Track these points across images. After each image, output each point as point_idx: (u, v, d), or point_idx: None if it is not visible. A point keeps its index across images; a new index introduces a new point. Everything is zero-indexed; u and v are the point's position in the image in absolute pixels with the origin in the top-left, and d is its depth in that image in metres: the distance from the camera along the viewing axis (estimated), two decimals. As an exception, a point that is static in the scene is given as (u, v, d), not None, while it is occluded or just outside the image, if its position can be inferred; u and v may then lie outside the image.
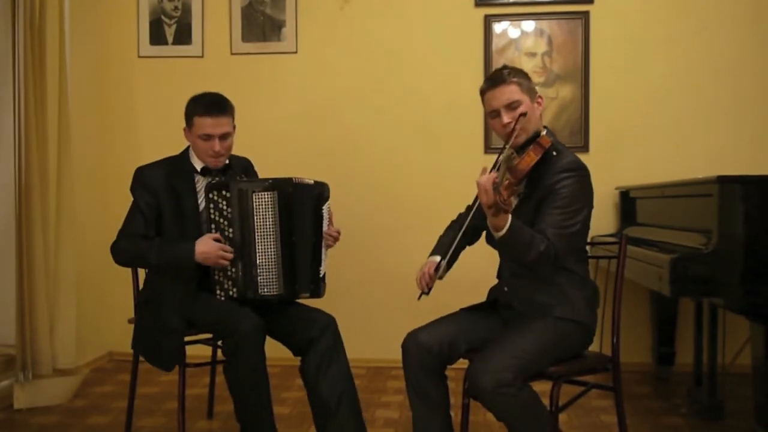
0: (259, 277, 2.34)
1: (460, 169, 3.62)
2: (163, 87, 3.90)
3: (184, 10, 3.91)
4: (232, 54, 3.89)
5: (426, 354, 2.06)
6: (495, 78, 2.12)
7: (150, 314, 2.43)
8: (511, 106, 2.08)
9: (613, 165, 3.63)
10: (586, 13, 3.68)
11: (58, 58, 3.27)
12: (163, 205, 2.41)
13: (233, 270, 2.35)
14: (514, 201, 1.93)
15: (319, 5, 3.83)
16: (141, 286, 2.58)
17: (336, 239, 2.51)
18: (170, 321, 2.35)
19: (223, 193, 2.35)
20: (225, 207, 2.35)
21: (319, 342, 2.35)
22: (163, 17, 3.92)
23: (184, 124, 2.47)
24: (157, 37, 3.93)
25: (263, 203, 2.34)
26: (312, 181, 2.43)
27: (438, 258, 2.19)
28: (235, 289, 2.36)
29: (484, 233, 2.23)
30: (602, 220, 3.53)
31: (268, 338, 2.31)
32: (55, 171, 3.24)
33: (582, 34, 3.69)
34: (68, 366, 3.24)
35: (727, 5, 3.61)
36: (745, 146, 3.59)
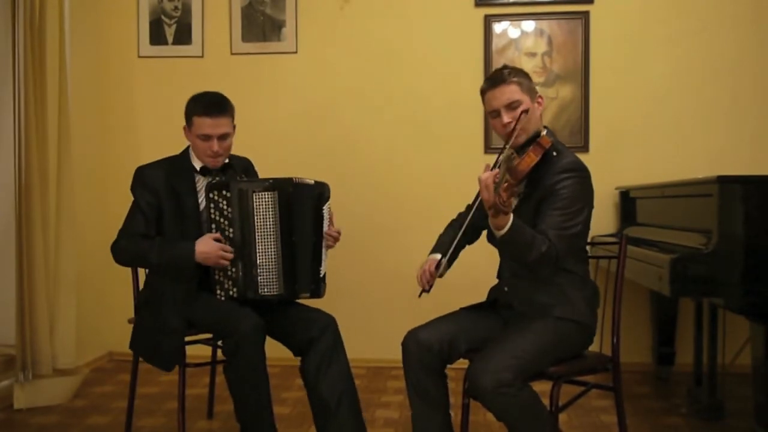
0: (259, 277, 2.34)
1: (460, 169, 3.62)
2: (163, 87, 3.90)
3: (184, 10, 3.91)
4: (232, 54, 3.89)
5: (426, 352, 2.06)
6: (495, 78, 2.12)
7: (150, 314, 2.42)
8: (512, 106, 2.08)
9: (613, 165, 3.63)
10: (586, 13, 3.68)
11: (58, 58, 3.27)
12: (164, 204, 2.41)
13: (233, 270, 2.35)
14: (514, 201, 1.93)
15: (319, 5, 3.83)
16: (141, 286, 2.58)
17: (336, 240, 2.50)
18: (170, 321, 2.35)
19: (224, 192, 2.35)
20: (225, 207, 2.35)
21: (319, 342, 2.35)
22: (163, 17, 3.92)
23: (184, 124, 2.47)
24: (157, 37, 3.93)
25: (263, 203, 2.34)
26: (312, 181, 2.43)
27: (439, 256, 2.20)
28: (235, 289, 2.36)
29: (485, 232, 2.23)
30: (602, 220, 3.53)
31: (268, 338, 2.31)
32: (55, 171, 3.24)
33: (582, 34, 3.69)
34: (68, 366, 3.24)
35: (727, 5, 3.61)
36: (745, 146, 3.59)
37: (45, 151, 3.15)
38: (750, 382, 2.22)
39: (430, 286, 2.16)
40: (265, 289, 2.34)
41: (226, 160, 2.50)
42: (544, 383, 2.02)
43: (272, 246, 2.34)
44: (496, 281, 2.29)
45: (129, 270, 2.62)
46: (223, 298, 2.37)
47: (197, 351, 2.64)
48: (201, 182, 2.46)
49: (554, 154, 2.05)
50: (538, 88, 2.19)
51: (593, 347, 2.19)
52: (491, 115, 2.15)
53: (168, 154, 2.53)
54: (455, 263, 2.26)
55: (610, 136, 3.69)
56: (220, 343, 2.51)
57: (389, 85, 3.80)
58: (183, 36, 3.91)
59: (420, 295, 2.17)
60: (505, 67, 2.16)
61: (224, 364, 2.27)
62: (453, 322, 2.15)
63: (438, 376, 2.10)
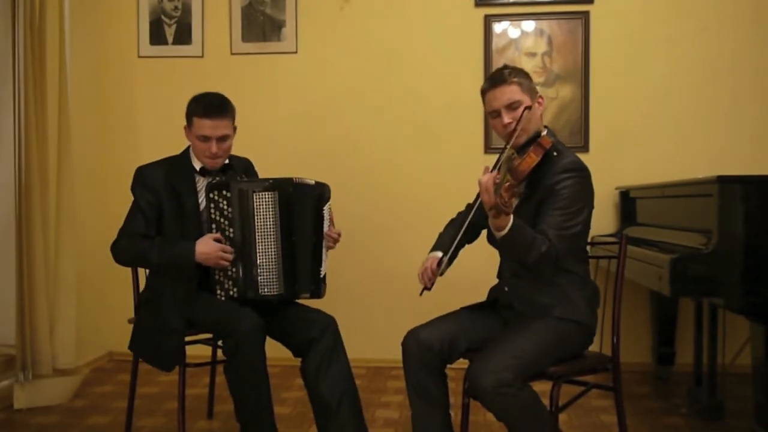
0: (259, 277, 2.34)
1: (460, 169, 3.63)
2: (163, 87, 3.90)
3: (184, 10, 3.91)
4: (232, 54, 3.89)
5: (426, 352, 2.06)
6: (496, 78, 2.12)
7: (150, 314, 2.42)
8: (512, 107, 2.08)
9: (613, 165, 3.63)
10: (586, 13, 3.68)
11: (58, 58, 3.27)
12: (164, 204, 2.41)
13: (234, 270, 2.35)
14: (514, 201, 1.93)
15: (319, 5, 3.83)
16: (141, 286, 2.58)
17: (336, 241, 2.50)
18: (170, 321, 2.35)
19: (224, 192, 2.35)
20: (225, 207, 2.35)
21: (319, 343, 2.35)
22: (163, 17, 3.92)
23: (184, 123, 2.47)
24: (157, 37, 3.93)
25: (264, 203, 2.34)
26: (313, 182, 2.43)
27: (440, 254, 2.20)
28: (235, 289, 2.36)
29: (484, 232, 2.23)
30: (602, 220, 3.53)
31: (268, 338, 2.31)
32: (55, 171, 3.24)
33: (582, 34, 3.69)
34: (68, 366, 3.24)
35: (727, 5, 3.61)
36: (745, 146, 3.59)
37: (45, 151, 3.15)
38: (750, 382, 2.22)
39: (432, 284, 2.16)
40: (266, 289, 2.34)
41: (227, 161, 2.50)
42: (544, 383, 2.02)
43: (272, 246, 2.34)
44: (496, 281, 2.29)
45: (129, 270, 2.62)
46: (223, 298, 2.36)
47: (197, 351, 2.64)
48: (201, 182, 2.46)
49: (555, 154, 2.05)
50: (538, 88, 2.19)
51: (593, 347, 2.20)
52: (491, 115, 2.15)
53: (168, 154, 2.53)
54: (455, 262, 2.26)
55: (610, 136, 3.69)
56: (220, 343, 2.51)
57: (389, 85, 3.80)
58: (183, 36, 3.91)
59: (421, 293, 2.17)
60: (505, 67, 2.16)
61: (224, 364, 2.27)
62: (453, 321, 2.15)
63: (438, 376, 2.10)
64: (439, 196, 3.64)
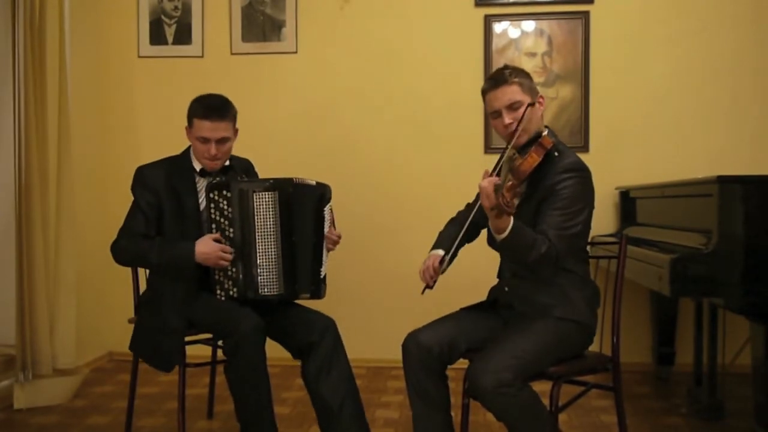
0: (259, 277, 2.34)
1: (460, 169, 3.63)
2: (163, 87, 3.90)
3: (184, 10, 3.91)
4: (232, 54, 3.89)
5: (426, 354, 2.06)
6: (496, 78, 2.12)
7: (150, 314, 2.42)
8: (513, 107, 2.08)
9: (613, 165, 3.63)
10: (586, 13, 3.68)
11: (58, 58, 3.27)
12: (164, 204, 2.40)
13: (233, 270, 2.35)
14: (516, 201, 1.93)
15: (319, 5, 3.83)
16: (141, 286, 2.58)
17: (336, 243, 2.49)
18: (170, 321, 2.35)
19: (224, 192, 2.35)
20: (226, 207, 2.35)
21: (319, 346, 2.35)
22: (163, 17, 3.92)
23: (185, 124, 2.47)
24: (157, 37, 3.93)
25: (264, 203, 2.34)
26: (314, 182, 2.42)
27: (441, 252, 2.20)
28: (235, 289, 2.36)
29: (484, 233, 2.23)
30: (602, 220, 3.53)
31: (268, 338, 2.31)
32: (55, 171, 3.24)
33: (582, 34, 3.69)
34: (68, 366, 3.24)
35: (727, 5, 3.61)
36: (745, 146, 3.60)
37: (45, 151, 3.15)
38: (750, 382, 2.22)
39: (434, 282, 2.16)
40: (265, 289, 2.34)
41: (227, 163, 2.50)
42: (544, 383, 2.02)
43: (272, 246, 2.34)
44: (496, 281, 2.29)
45: (129, 270, 2.62)
46: (223, 298, 2.36)
47: (197, 351, 2.64)
48: (201, 182, 2.46)
49: (556, 154, 2.05)
50: (538, 88, 2.19)
51: (593, 347, 2.20)
52: (492, 115, 2.15)
53: (168, 154, 2.53)
54: (455, 262, 2.26)
55: (610, 136, 3.69)
56: (220, 343, 2.51)
57: (389, 85, 3.80)
58: (183, 36, 3.91)
59: (423, 292, 2.17)
60: (506, 67, 2.16)
61: (224, 364, 2.27)
62: (453, 323, 2.15)
63: (438, 378, 2.10)
64: (439, 196, 3.64)
